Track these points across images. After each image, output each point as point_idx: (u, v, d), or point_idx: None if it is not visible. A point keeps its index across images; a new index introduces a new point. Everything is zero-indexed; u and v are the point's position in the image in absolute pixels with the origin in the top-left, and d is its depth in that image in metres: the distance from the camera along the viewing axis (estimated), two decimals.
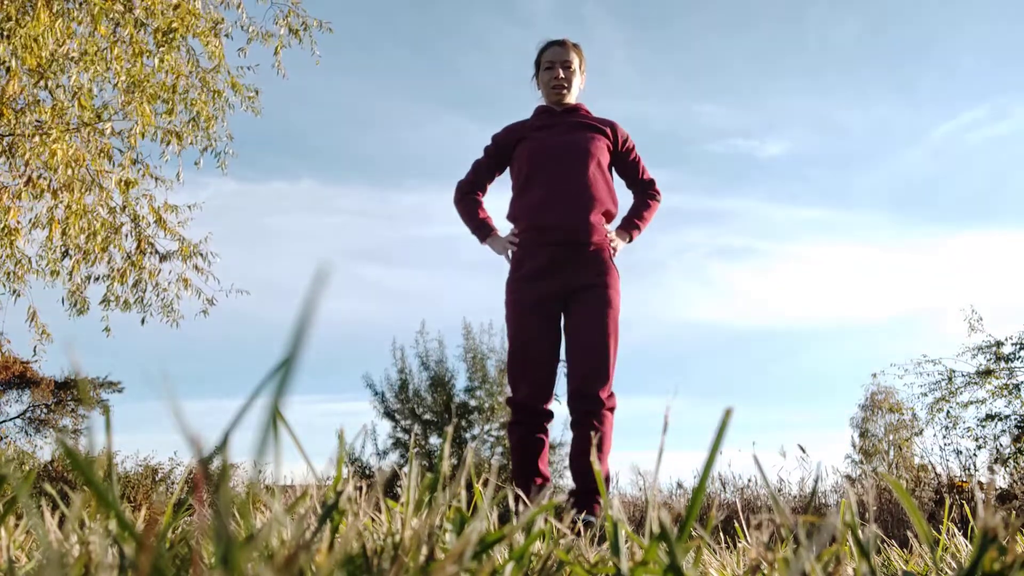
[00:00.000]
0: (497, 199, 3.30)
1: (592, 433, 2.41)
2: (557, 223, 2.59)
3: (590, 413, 2.45)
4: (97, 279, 6.57)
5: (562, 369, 2.64)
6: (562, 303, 2.59)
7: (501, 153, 2.84)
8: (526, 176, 2.71)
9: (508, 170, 2.86)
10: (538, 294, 2.57)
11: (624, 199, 2.88)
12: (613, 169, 2.83)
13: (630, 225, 2.80)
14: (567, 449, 2.56)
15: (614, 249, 2.67)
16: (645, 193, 2.87)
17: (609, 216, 2.70)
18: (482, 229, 2.78)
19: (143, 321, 6.79)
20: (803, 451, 5.56)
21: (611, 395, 2.50)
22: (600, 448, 2.45)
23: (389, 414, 10.05)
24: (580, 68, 2.82)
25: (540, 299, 2.57)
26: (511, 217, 2.75)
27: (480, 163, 2.88)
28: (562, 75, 2.76)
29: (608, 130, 2.77)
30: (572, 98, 2.83)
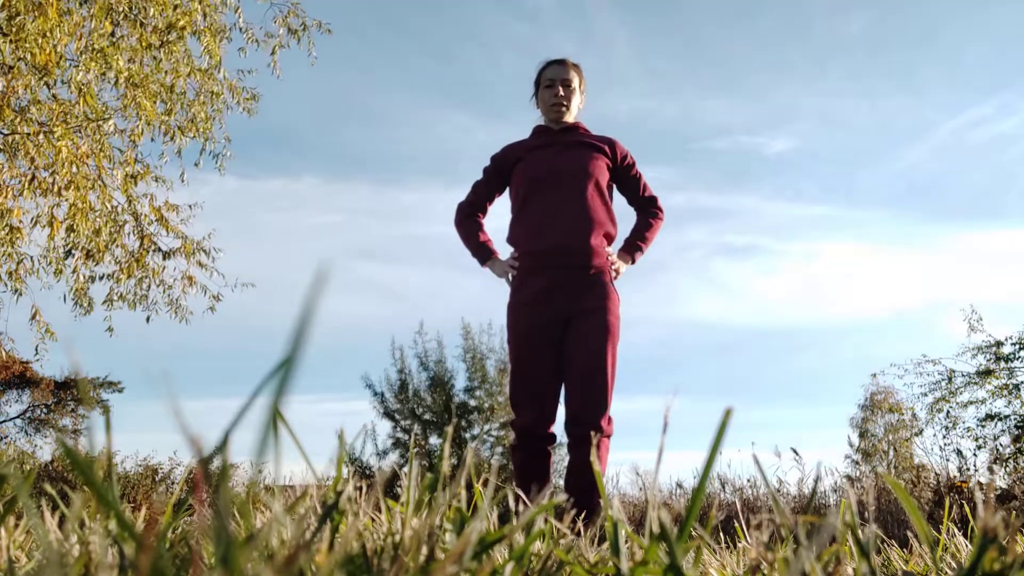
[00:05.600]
0: (498, 218, 3.30)
1: (589, 460, 2.40)
2: (556, 246, 2.55)
3: (587, 439, 2.43)
4: (101, 278, 6.58)
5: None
6: (562, 327, 2.55)
7: (499, 173, 2.81)
8: (524, 198, 2.67)
9: (507, 191, 2.83)
10: (538, 319, 2.54)
11: (625, 207, 2.86)
12: (614, 187, 2.80)
13: (632, 247, 2.75)
14: (564, 449, 2.55)
15: (616, 272, 2.63)
16: (647, 211, 2.83)
17: (609, 238, 2.66)
18: (482, 252, 2.76)
19: (148, 319, 6.80)
20: (796, 454, 5.57)
21: (609, 421, 2.48)
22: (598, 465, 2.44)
23: (389, 414, 10.05)
24: (580, 87, 2.80)
25: (540, 324, 2.54)
26: (510, 240, 2.72)
27: (479, 184, 2.85)
28: (562, 93, 2.74)
29: (607, 147, 2.73)
30: (571, 117, 2.79)
